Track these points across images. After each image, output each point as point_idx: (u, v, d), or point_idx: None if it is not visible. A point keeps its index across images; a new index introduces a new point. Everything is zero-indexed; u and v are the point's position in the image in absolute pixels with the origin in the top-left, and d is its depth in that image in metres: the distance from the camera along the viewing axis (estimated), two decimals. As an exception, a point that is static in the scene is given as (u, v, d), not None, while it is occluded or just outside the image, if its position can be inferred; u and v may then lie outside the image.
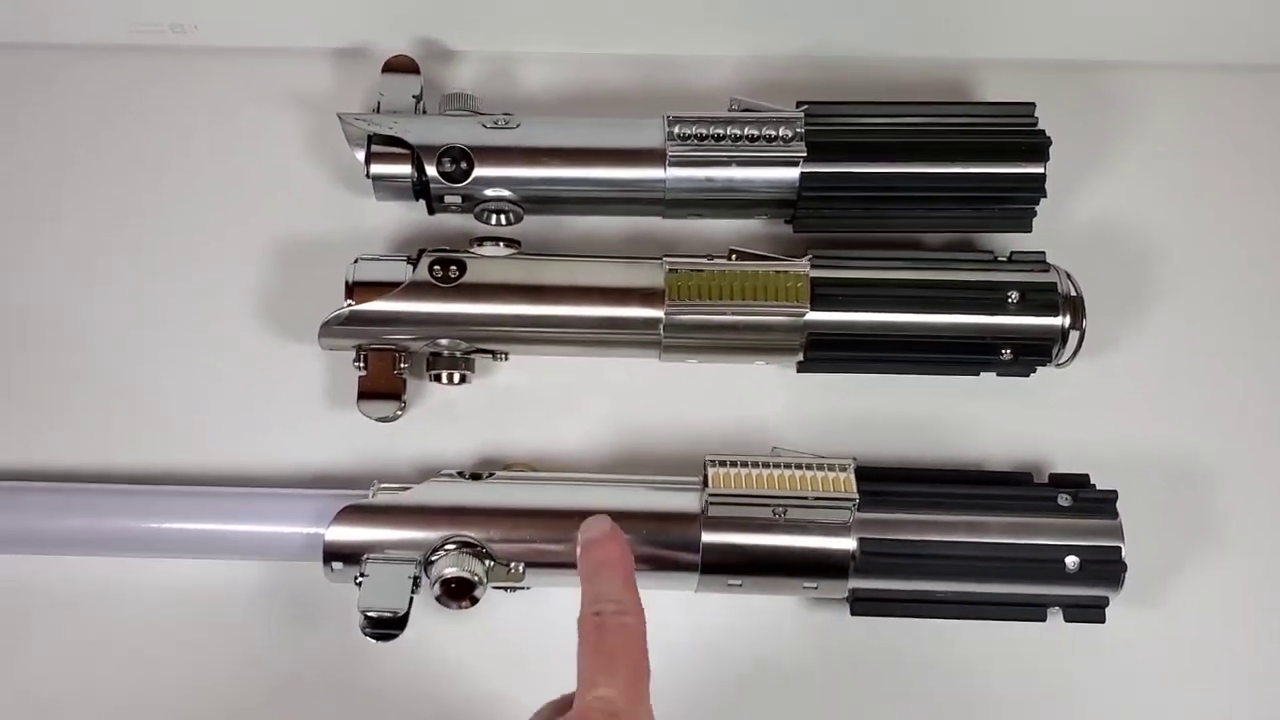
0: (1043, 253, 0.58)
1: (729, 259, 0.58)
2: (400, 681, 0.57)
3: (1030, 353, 0.58)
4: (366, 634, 0.52)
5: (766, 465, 0.54)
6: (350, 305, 0.57)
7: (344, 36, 0.65)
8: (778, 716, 0.57)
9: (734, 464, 0.55)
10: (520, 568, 0.54)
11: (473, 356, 0.59)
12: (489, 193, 0.58)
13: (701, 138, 0.57)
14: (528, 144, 0.58)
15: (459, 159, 0.57)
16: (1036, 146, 0.58)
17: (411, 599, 0.53)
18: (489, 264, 0.58)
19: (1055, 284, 0.57)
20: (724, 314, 0.57)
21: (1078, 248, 0.61)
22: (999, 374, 0.59)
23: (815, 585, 0.55)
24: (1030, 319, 0.57)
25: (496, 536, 0.54)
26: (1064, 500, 0.55)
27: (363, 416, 0.58)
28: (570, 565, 0.53)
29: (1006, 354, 0.57)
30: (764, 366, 0.61)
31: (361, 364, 0.58)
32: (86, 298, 0.62)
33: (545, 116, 0.60)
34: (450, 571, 0.53)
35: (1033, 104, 0.59)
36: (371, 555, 0.54)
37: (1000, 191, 0.58)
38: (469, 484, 0.56)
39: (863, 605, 0.56)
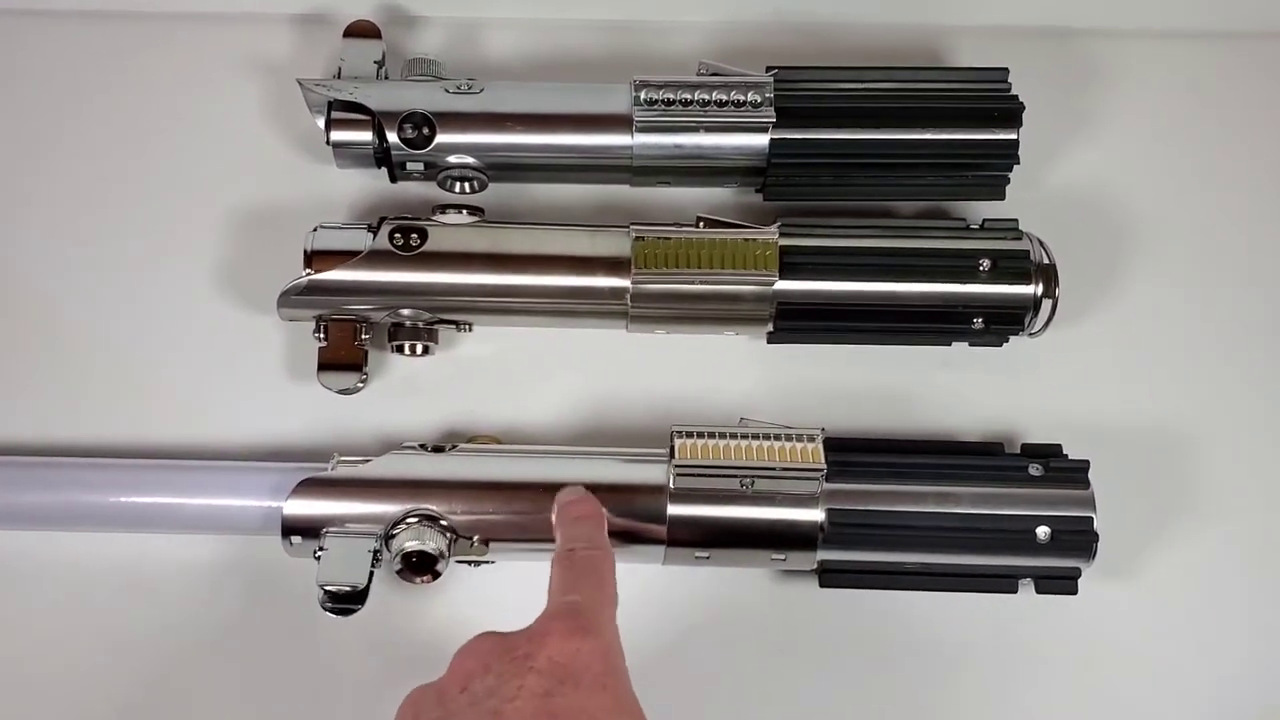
0: (1015, 220, 0.58)
1: (697, 227, 0.57)
2: (361, 656, 0.57)
3: (1002, 322, 0.57)
4: (326, 608, 0.52)
5: (734, 436, 0.54)
6: (309, 275, 0.56)
7: (305, 1, 0.63)
8: (746, 689, 0.57)
9: (701, 435, 0.54)
10: (483, 542, 0.53)
11: (436, 327, 0.58)
12: (452, 160, 0.57)
13: (669, 103, 0.57)
14: (491, 109, 0.57)
15: (421, 125, 0.57)
16: (1009, 112, 0.57)
17: (372, 573, 0.52)
18: (451, 232, 0.57)
19: (1028, 252, 0.57)
20: (692, 283, 0.56)
21: (1051, 215, 0.60)
22: (971, 343, 0.59)
23: (783, 557, 0.54)
24: (1002, 287, 0.56)
25: (459, 510, 0.53)
26: (1035, 470, 0.55)
27: (323, 388, 0.57)
28: (535, 539, 0.53)
29: (978, 323, 0.57)
30: (733, 337, 0.60)
31: (321, 335, 0.57)
32: (39, 267, 0.61)
33: (510, 81, 0.59)
34: (411, 545, 0.52)
35: (1006, 69, 0.59)
36: (331, 529, 0.53)
37: (973, 158, 0.58)
38: (431, 456, 0.55)
39: (831, 577, 0.55)
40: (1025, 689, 0.57)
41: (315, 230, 0.57)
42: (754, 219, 0.58)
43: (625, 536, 0.53)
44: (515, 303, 0.57)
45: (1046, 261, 0.57)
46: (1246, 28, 0.64)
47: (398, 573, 0.53)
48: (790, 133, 0.57)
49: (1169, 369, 0.61)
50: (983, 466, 0.55)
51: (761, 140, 0.57)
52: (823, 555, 0.54)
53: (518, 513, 0.53)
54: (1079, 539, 0.54)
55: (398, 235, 0.56)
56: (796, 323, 0.57)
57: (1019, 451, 0.57)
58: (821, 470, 0.53)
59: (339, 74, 0.59)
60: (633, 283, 0.56)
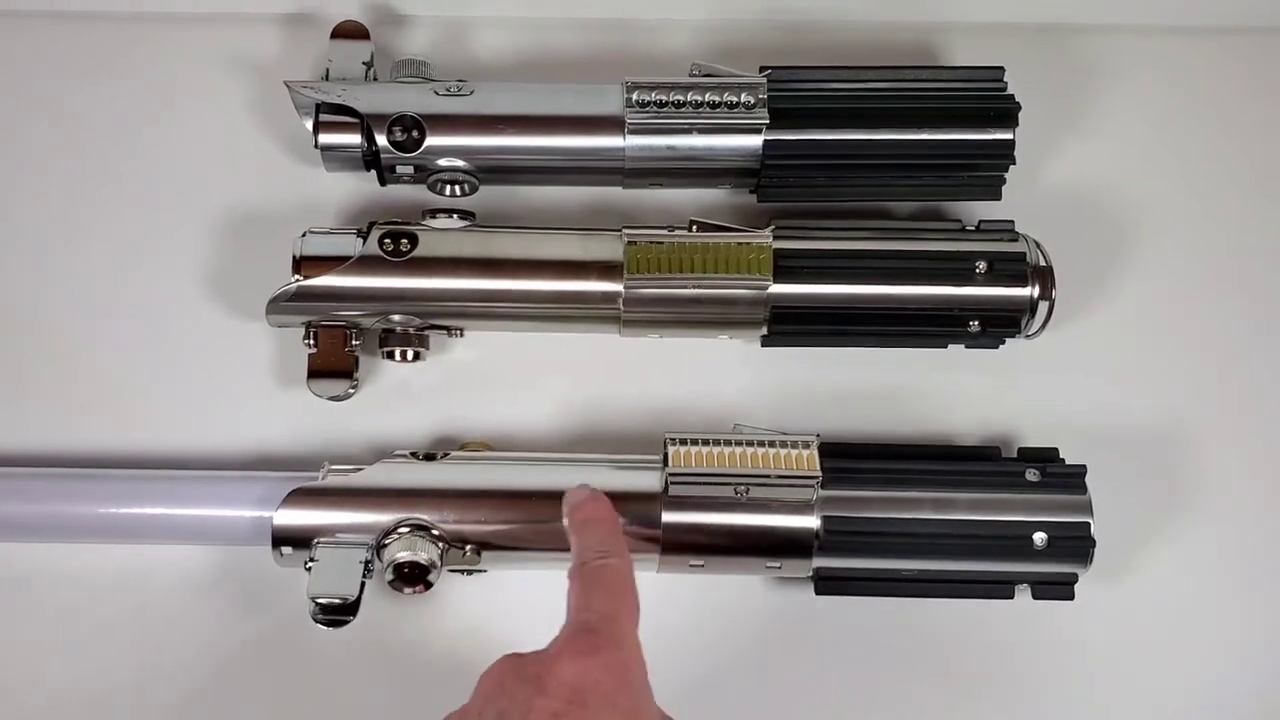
0: (1011, 221, 0.57)
1: (690, 230, 0.57)
2: (353, 667, 0.56)
3: (999, 324, 0.57)
4: (317, 621, 0.51)
5: (728, 443, 0.53)
6: (298, 280, 0.55)
7: (292, 1, 0.62)
8: (742, 698, 0.56)
9: (695, 442, 0.54)
10: (476, 551, 0.53)
11: (427, 333, 0.58)
12: (442, 163, 0.57)
13: (661, 104, 0.56)
14: (482, 111, 0.57)
15: (410, 128, 0.56)
16: (1005, 112, 0.57)
17: (363, 584, 0.52)
18: (442, 237, 0.56)
19: (1024, 254, 0.56)
20: (685, 287, 0.55)
21: (1048, 216, 0.60)
22: (967, 346, 0.58)
23: (779, 565, 0.54)
24: (998, 290, 0.56)
25: (451, 519, 0.53)
26: (1032, 475, 0.54)
27: (313, 396, 0.57)
28: (528, 547, 0.53)
29: (974, 325, 0.56)
30: (727, 341, 0.59)
31: (311, 341, 0.57)
32: (23, 272, 0.60)
33: (500, 83, 0.59)
34: (403, 556, 0.51)
35: (1001, 68, 0.58)
36: (322, 540, 0.52)
37: (969, 158, 0.57)
38: (422, 465, 0.54)
39: (827, 585, 0.55)
40: (1023, 695, 0.57)
41: (304, 235, 0.56)
42: (748, 220, 0.58)
43: (619, 544, 0.53)
44: (507, 308, 0.56)
45: (1043, 263, 0.56)
46: (1246, 23, 0.64)
47: (389, 583, 0.52)
48: (784, 134, 0.56)
49: (1166, 370, 0.60)
50: (979, 472, 0.55)
51: (755, 141, 0.56)
52: (818, 563, 0.54)
53: (511, 521, 0.53)
54: (1076, 545, 0.53)
55: (387, 240, 0.56)
56: (791, 326, 0.57)
57: (1016, 455, 0.57)
58: (817, 477, 0.52)
59: (327, 75, 0.58)
60: (625, 287, 0.55)
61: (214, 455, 0.58)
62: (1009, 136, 0.57)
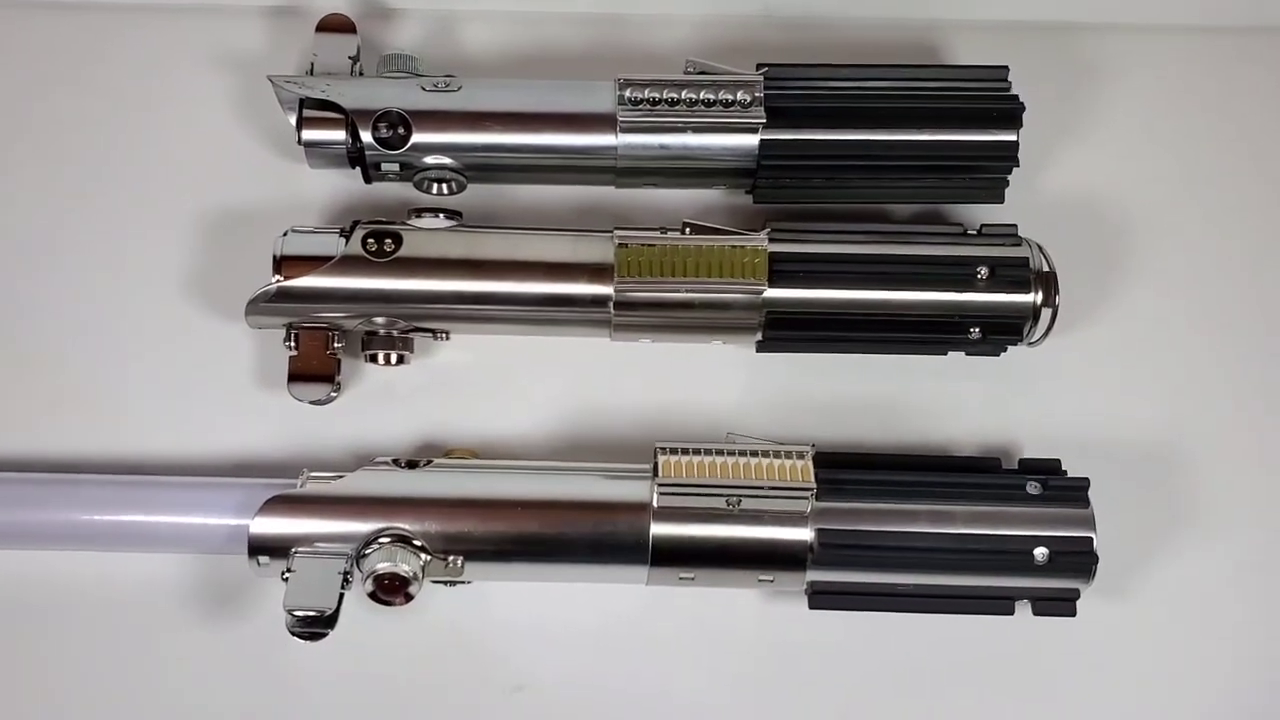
0: (1014, 225, 0.56)
1: (683, 233, 0.55)
2: (332, 679, 0.55)
3: (1000, 331, 0.55)
4: (294, 633, 0.50)
5: (720, 453, 0.52)
6: (278, 281, 0.54)
7: (277, -8, 0.61)
8: (733, 714, 0.55)
9: (686, 451, 0.52)
10: (459, 562, 0.51)
11: (411, 336, 0.56)
12: (428, 160, 0.55)
13: (655, 102, 0.55)
14: (469, 108, 0.55)
15: (396, 124, 0.55)
16: (1009, 113, 0.56)
17: (341, 596, 0.50)
18: (427, 237, 0.55)
19: (1027, 259, 0.55)
20: (678, 291, 0.54)
21: (1052, 219, 0.58)
22: (967, 353, 0.57)
23: (771, 578, 0.53)
24: (1000, 296, 0.54)
25: (433, 529, 0.51)
26: (1033, 488, 0.53)
27: (294, 399, 0.55)
28: (513, 559, 0.52)
29: (975, 332, 0.55)
30: (721, 346, 0.58)
31: (292, 343, 0.55)
32: (-4, 270, 0.59)
33: (489, 79, 0.58)
34: (383, 567, 0.50)
35: (1005, 68, 0.57)
36: (300, 549, 0.51)
37: (971, 160, 0.56)
38: (404, 473, 0.53)
39: (821, 598, 0.54)
40: (1022, 713, 0.56)
41: (285, 234, 0.55)
42: (743, 221, 0.57)
43: (607, 556, 0.52)
44: (494, 310, 0.55)
45: (1046, 269, 0.55)
46: (1257, 22, 0.62)
47: (369, 595, 0.51)
48: (781, 133, 0.55)
49: (1173, 379, 0.59)
50: (979, 484, 0.53)
51: (751, 141, 0.55)
52: (812, 576, 0.52)
53: (495, 531, 0.51)
54: (1078, 560, 0.52)
55: (371, 240, 0.54)
56: (787, 332, 0.55)
57: (1016, 466, 0.56)
58: (811, 488, 0.51)
59: (311, 70, 0.57)
60: (616, 290, 0.54)
61: (190, 460, 0.56)
62: (1013, 138, 0.55)
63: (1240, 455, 0.58)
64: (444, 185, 0.56)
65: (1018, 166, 0.56)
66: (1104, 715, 0.56)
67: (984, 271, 0.54)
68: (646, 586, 0.53)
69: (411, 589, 0.50)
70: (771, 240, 0.55)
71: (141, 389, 0.57)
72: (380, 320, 0.55)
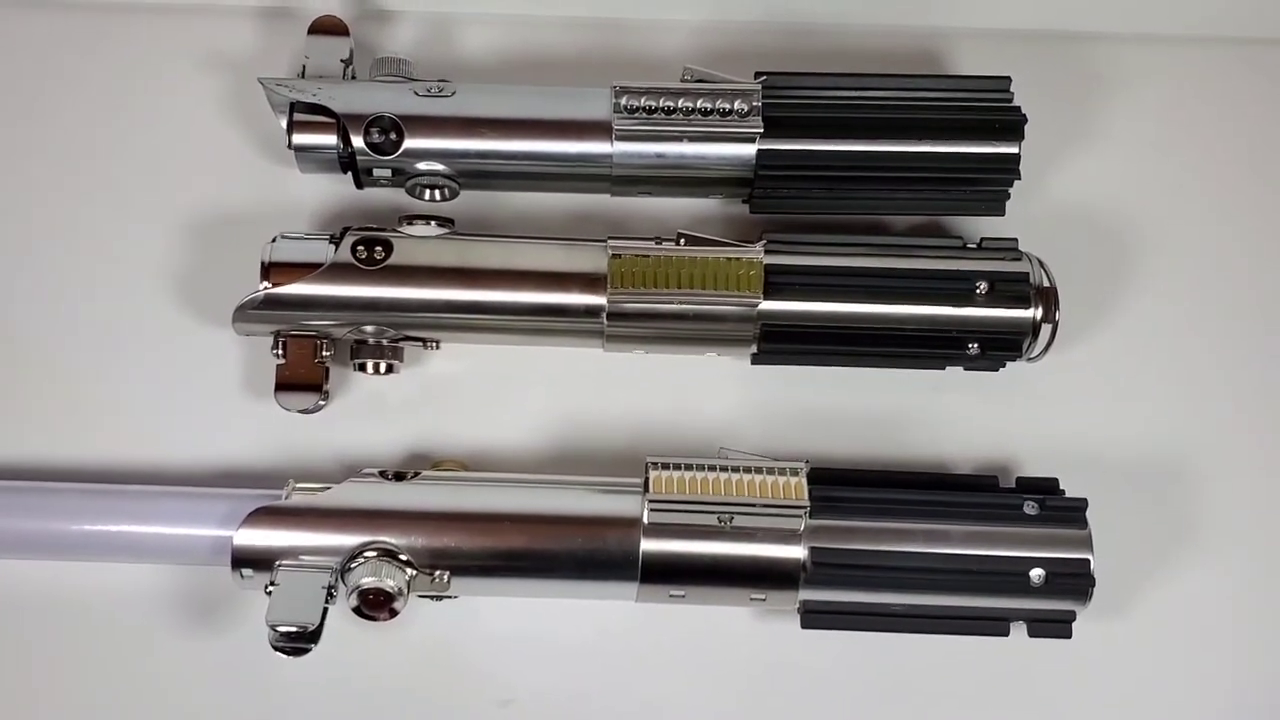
0: (1015, 239, 0.55)
1: (677, 244, 0.55)
2: (316, 693, 0.54)
3: (999, 347, 0.54)
4: (277, 649, 0.49)
5: (712, 468, 0.52)
6: (266, 288, 0.53)
7: (269, -7, 0.60)
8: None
9: (677, 467, 0.52)
10: (445, 577, 0.51)
11: (401, 344, 0.55)
12: (421, 166, 0.55)
13: (651, 110, 0.54)
14: (463, 114, 0.54)
15: (388, 129, 0.54)
16: (1011, 125, 0.55)
17: (325, 611, 0.49)
18: (418, 244, 0.54)
19: (1027, 274, 0.54)
20: (671, 303, 0.53)
21: (1053, 233, 0.58)
22: (965, 368, 0.56)
23: (763, 596, 0.52)
24: (1000, 311, 0.54)
25: (419, 543, 0.50)
26: (1030, 508, 0.52)
27: (281, 408, 0.55)
28: (500, 574, 0.51)
29: (974, 348, 0.54)
30: (715, 358, 0.57)
31: (280, 351, 0.54)
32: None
33: (483, 84, 0.57)
34: (368, 582, 0.49)
35: (1008, 78, 0.56)
36: (284, 562, 0.50)
37: (972, 172, 0.55)
38: (391, 485, 0.52)
39: (814, 618, 0.53)
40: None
41: (274, 241, 0.54)
42: (740, 231, 0.56)
43: (596, 572, 0.51)
44: (485, 320, 0.54)
45: (1047, 284, 0.54)
46: (1261, 34, 0.61)
47: (353, 610, 0.50)
48: (779, 143, 0.54)
49: (1174, 397, 0.58)
50: (975, 503, 0.52)
51: (748, 151, 0.54)
52: (805, 595, 0.52)
53: (482, 547, 0.51)
54: (1075, 582, 0.51)
55: (361, 248, 0.53)
56: (782, 344, 0.55)
57: (1014, 485, 0.55)
58: (805, 506, 0.51)
59: (303, 73, 0.56)
60: (609, 301, 0.53)
61: (175, 469, 0.56)
62: (1014, 150, 0.55)
63: (1241, 475, 0.58)
64: (436, 191, 0.56)
65: (1019, 179, 0.55)
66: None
67: (983, 286, 0.54)
68: (636, 603, 0.52)
69: (396, 605, 0.50)
70: (767, 252, 0.54)
71: (126, 395, 0.57)
72: (370, 329, 0.54)
